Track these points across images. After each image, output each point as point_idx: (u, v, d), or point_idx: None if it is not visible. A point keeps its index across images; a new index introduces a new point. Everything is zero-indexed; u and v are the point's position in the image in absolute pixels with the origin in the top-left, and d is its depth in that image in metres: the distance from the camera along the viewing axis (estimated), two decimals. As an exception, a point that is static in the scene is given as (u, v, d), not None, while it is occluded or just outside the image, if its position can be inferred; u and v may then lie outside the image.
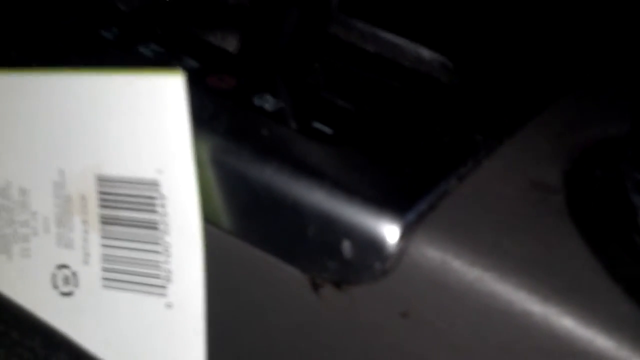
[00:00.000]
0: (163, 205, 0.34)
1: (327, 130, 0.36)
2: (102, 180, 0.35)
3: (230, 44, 0.44)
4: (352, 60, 0.43)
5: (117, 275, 0.35)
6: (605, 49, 0.43)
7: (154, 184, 0.34)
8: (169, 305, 0.35)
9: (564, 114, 0.38)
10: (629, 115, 0.36)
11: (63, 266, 0.36)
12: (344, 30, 0.44)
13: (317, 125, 0.36)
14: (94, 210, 0.35)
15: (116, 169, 0.35)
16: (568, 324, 0.29)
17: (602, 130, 0.37)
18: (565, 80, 0.40)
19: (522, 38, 0.43)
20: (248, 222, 0.34)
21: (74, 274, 0.36)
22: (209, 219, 0.34)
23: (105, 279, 0.35)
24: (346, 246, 0.32)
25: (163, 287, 0.35)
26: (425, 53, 0.42)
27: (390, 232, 0.31)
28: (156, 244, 0.34)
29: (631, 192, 0.33)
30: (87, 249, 0.36)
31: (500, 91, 0.39)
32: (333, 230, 0.32)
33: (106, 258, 0.35)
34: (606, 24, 0.44)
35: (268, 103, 0.37)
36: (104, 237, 0.35)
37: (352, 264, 0.32)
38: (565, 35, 0.43)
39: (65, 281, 0.36)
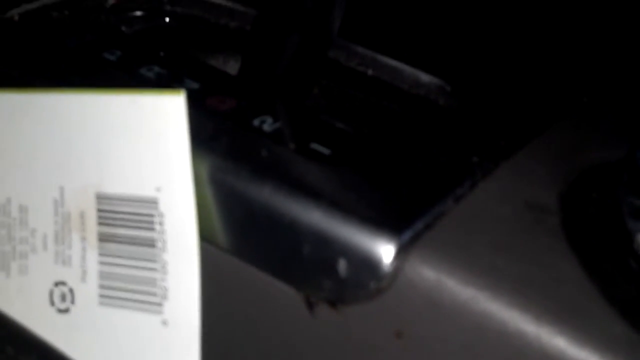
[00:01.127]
0: (161, 223, 0.34)
1: (325, 151, 0.36)
2: (102, 198, 0.35)
3: (232, 67, 0.45)
4: (351, 83, 0.44)
5: (113, 293, 0.35)
6: (602, 73, 0.43)
7: (152, 202, 0.34)
8: (164, 323, 0.35)
9: (560, 138, 0.38)
10: (625, 140, 0.37)
11: (60, 283, 0.36)
12: (344, 55, 0.45)
13: (315, 146, 0.36)
14: (92, 227, 0.36)
15: (116, 186, 0.35)
16: (561, 344, 0.29)
17: (598, 155, 0.37)
18: (562, 104, 0.41)
19: (519, 62, 0.43)
20: (245, 240, 0.34)
21: (71, 290, 0.36)
22: (206, 237, 0.35)
23: (102, 296, 0.36)
24: (342, 265, 0.32)
25: (159, 304, 0.35)
26: (424, 77, 0.42)
27: (386, 251, 0.31)
28: (153, 261, 0.35)
29: (627, 217, 0.33)
30: (85, 266, 0.36)
31: (497, 114, 0.39)
32: (329, 249, 0.32)
33: (103, 275, 0.36)
34: (602, 48, 0.45)
35: (267, 124, 0.37)
36: (101, 255, 0.36)
37: (348, 282, 0.32)
38: (562, 59, 0.44)
39: (62, 298, 0.36)
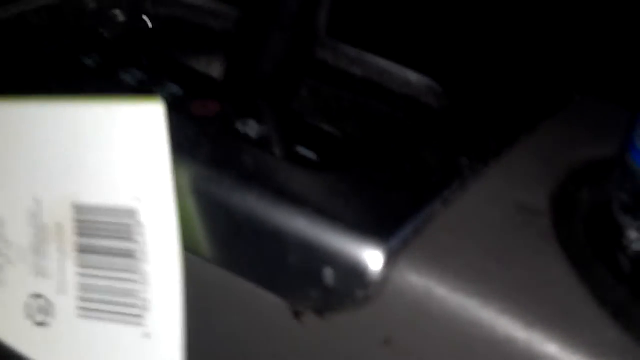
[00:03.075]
0: (141, 234, 0.33)
1: (311, 155, 0.35)
2: (79, 208, 0.34)
3: (215, 69, 0.44)
4: (339, 84, 0.43)
5: (93, 305, 0.34)
6: (592, 71, 0.42)
7: (131, 212, 0.33)
8: (146, 335, 0.34)
9: (550, 136, 0.37)
10: (615, 136, 0.36)
11: (38, 296, 0.35)
12: (331, 55, 0.44)
13: (302, 150, 0.35)
14: (70, 238, 0.34)
15: (94, 197, 0.34)
16: (553, 350, 0.28)
17: (588, 152, 0.36)
18: (551, 101, 0.40)
19: (508, 62, 0.42)
20: (228, 250, 0.33)
21: (49, 303, 0.35)
22: (189, 247, 0.34)
23: (81, 308, 0.35)
24: (328, 273, 0.31)
25: (140, 316, 0.34)
26: (413, 76, 0.41)
27: (373, 259, 0.31)
28: (133, 272, 0.34)
29: (617, 213, 0.32)
30: (63, 278, 0.35)
31: (487, 113, 0.38)
32: (315, 258, 0.31)
33: (82, 287, 0.34)
34: (590, 45, 0.44)
35: (252, 129, 0.36)
36: (80, 266, 0.34)
37: (334, 291, 0.31)
38: (551, 57, 0.43)
39: (40, 311, 0.35)
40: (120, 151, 0.34)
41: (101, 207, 0.34)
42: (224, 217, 0.33)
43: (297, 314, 0.32)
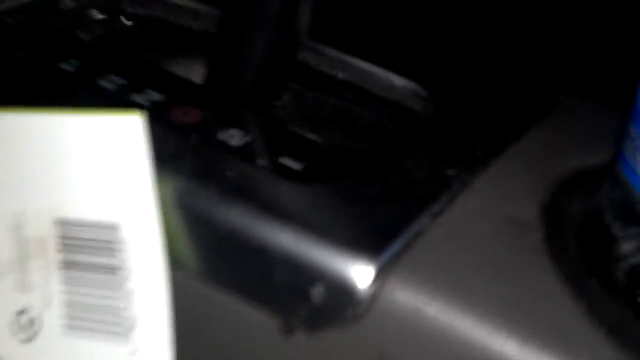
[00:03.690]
0: (123, 250, 0.33)
1: (295, 166, 0.34)
2: (61, 223, 0.34)
3: (196, 73, 0.43)
4: (321, 88, 0.42)
5: (78, 322, 0.34)
6: (582, 77, 0.42)
7: (113, 228, 0.33)
8: (132, 353, 0.33)
9: (538, 143, 0.37)
10: (604, 142, 0.35)
11: (22, 312, 0.35)
12: (313, 57, 0.43)
13: (286, 160, 0.35)
14: (52, 254, 0.34)
15: (75, 211, 0.33)
16: (547, 371, 0.28)
17: (578, 160, 0.36)
18: (537, 106, 0.39)
19: (496, 66, 0.42)
20: (214, 265, 0.33)
21: (33, 320, 0.34)
22: (174, 263, 0.33)
23: (66, 325, 0.34)
24: (316, 291, 0.31)
25: (126, 334, 0.33)
26: (397, 80, 0.41)
27: (362, 275, 0.30)
28: (118, 289, 0.33)
29: (609, 224, 0.32)
30: (47, 295, 0.34)
31: (473, 120, 0.38)
32: (302, 274, 0.31)
33: (66, 304, 0.34)
34: (578, 48, 0.44)
35: (234, 138, 0.35)
36: (63, 283, 0.34)
37: (323, 309, 0.31)
38: (536, 59, 0.43)
39: (24, 328, 0.35)
40: (100, 164, 0.33)
41: (83, 222, 0.33)
42: (208, 231, 0.33)
43: (285, 332, 0.32)
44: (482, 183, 0.34)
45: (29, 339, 0.35)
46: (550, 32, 0.44)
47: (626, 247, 0.31)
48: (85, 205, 0.33)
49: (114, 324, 0.33)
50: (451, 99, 0.39)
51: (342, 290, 0.30)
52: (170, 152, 0.34)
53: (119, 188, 0.33)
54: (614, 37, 0.43)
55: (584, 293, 0.30)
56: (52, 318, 0.34)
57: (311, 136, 0.36)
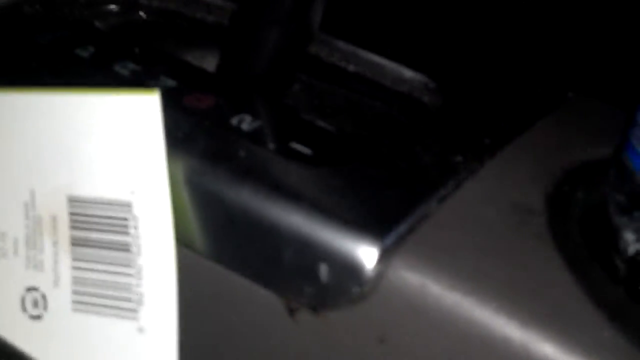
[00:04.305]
0: (136, 227, 0.33)
1: (305, 151, 0.35)
2: (74, 201, 0.34)
3: (209, 63, 0.44)
4: (333, 80, 0.43)
5: (87, 299, 0.34)
6: (588, 69, 0.42)
7: (126, 205, 0.33)
8: (140, 330, 0.34)
9: (546, 135, 0.37)
10: (610, 135, 0.36)
11: (32, 289, 0.35)
12: (325, 50, 0.44)
13: (296, 145, 0.35)
14: (64, 231, 0.34)
15: (88, 189, 0.34)
16: (548, 350, 0.28)
17: (584, 151, 0.36)
18: (546, 99, 0.40)
19: (503, 59, 0.43)
20: (223, 244, 0.33)
21: (44, 296, 0.35)
22: (184, 241, 0.34)
23: (76, 302, 0.34)
24: (323, 270, 0.31)
25: (135, 310, 0.34)
26: (407, 73, 0.41)
27: (368, 255, 0.31)
28: (128, 266, 0.34)
29: (613, 214, 0.33)
30: (57, 272, 0.35)
31: (482, 111, 0.38)
32: (310, 254, 0.31)
33: (76, 281, 0.34)
34: (586, 44, 0.44)
35: (245, 123, 0.36)
36: (74, 259, 0.34)
37: (329, 288, 0.31)
38: (545, 55, 0.43)
39: (35, 304, 0.35)
40: (115, 143, 0.34)
41: (96, 200, 0.34)
42: (219, 211, 0.33)
43: (291, 310, 0.32)
44: (488, 171, 0.34)
45: (39, 316, 0.35)
46: (561, 29, 0.45)
47: (629, 236, 0.32)
48: (99, 183, 0.34)
49: (123, 301, 0.34)
50: (460, 91, 0.40)
51: (348, 270, 0.31)
52: (183, 134, 0.35)
53: (133, 166, 0.33)
54: (625, 38, 0.44)
55: (585, 277, 0.30)
56: (62, 295, 0.35)
57: (321, 124, 0.37)
